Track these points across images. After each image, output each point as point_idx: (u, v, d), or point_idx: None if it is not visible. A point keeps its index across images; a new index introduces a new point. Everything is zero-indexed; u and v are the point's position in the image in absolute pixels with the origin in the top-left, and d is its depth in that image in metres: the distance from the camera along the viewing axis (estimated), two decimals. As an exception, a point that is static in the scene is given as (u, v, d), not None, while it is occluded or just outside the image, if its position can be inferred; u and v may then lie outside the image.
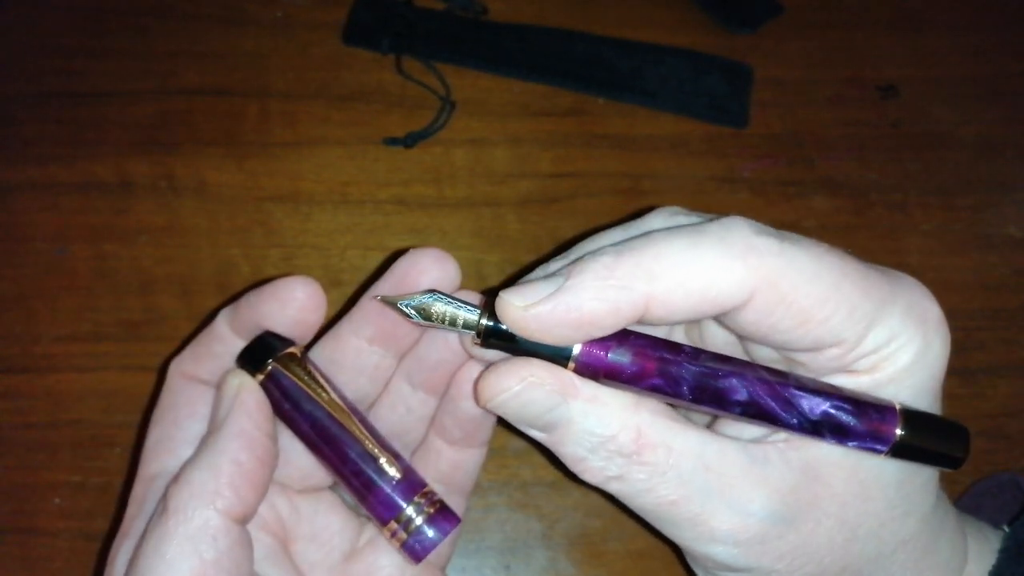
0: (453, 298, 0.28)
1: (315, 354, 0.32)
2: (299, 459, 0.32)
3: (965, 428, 0.28)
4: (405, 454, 0.33)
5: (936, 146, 0.51)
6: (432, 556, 0.33)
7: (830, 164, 0.50)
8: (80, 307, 0.43)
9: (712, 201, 0.48)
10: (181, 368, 0.32)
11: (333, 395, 0.30)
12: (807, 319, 0.26)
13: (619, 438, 0.27)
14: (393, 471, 0.30)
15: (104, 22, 0.50)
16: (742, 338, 0.29)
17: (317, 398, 0.30)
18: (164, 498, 0.28)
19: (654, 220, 0.30)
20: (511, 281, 0.45)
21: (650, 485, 0.27)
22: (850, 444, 0.27)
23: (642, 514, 0.28)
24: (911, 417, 0.27)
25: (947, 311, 0.46)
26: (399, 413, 0.33)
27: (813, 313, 0.26)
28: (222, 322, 0.32)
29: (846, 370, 0.27)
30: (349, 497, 0.33)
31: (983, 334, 0.46)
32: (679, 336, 0.33)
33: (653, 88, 0.50)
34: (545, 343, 0.26)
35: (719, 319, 0.27)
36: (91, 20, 0.50)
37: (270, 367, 0.30)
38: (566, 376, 0.27)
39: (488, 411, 0.28)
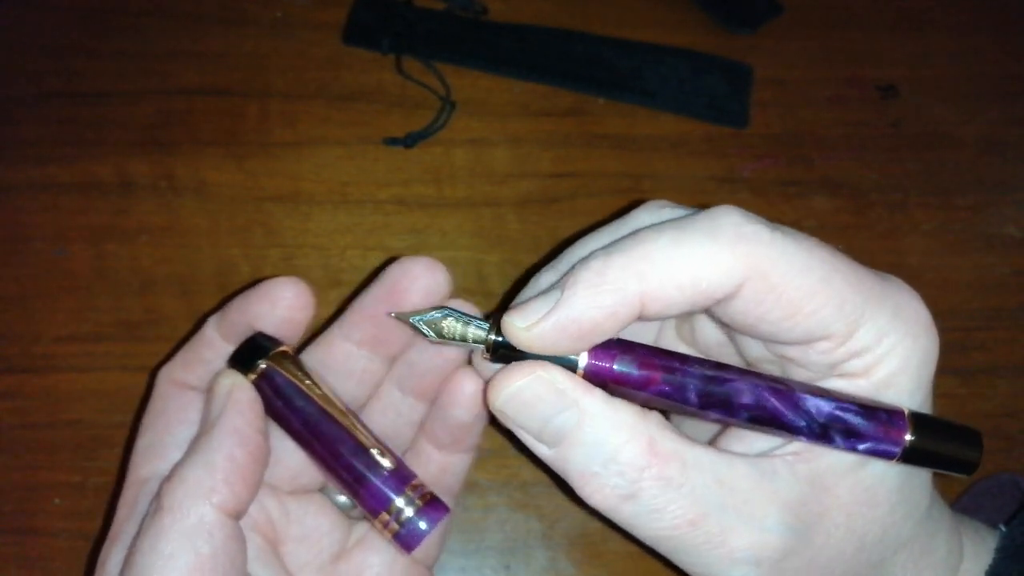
0: (463, 314, 0.28)
1: (305, 357, 0.32)
2: (289, 460, 0.32)
3: (978, 431, 0.28)
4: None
5: (936, 146, 0.51)
6: (420, 555, 0.33)
7: (830, 164, 0.50)
8: (80, 307, 0.43)
9: (712, 201, 0.47)
10: (171, 375, 0.32)
11: (325, 390, 0.31)
12: (796, 310, 0.26)
13: (630, 448, 0.26)
14: (385, 462, 0.30)
15: (104, 22, 0.50)
16: (732, 331, 0.29)
17: (310, 393, 0.30)
18: (158, 496, 0.28)
19: (641, 216, 0.30)
20: (512, 282, 0.45)
21: (664, 502, 0.26)
22: (861, 448, 0.27)
23: (655, 543, 0.27)
24: (921, 421, 0.27)
25: (947, 311, 0.46)
26: (389, 417, 0.33)
27: (802, 304, 0.26)
28: (211, 328, 0.32)
29: (839, 372, 0.27)
30: (340, 494, 0.34)
31: (983, 334, 0.46)
32: (670, 334, 0.34)
33: (653, 88, 0.50)
34: (550, 353, 0.27)
35: (710, 311, 0.27)
36: (91, 20, 0.50)
37: (262, 366, 0.30)
38: (575, 378, 0.27)
39: (498, 415, 0.28)
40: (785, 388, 0.27)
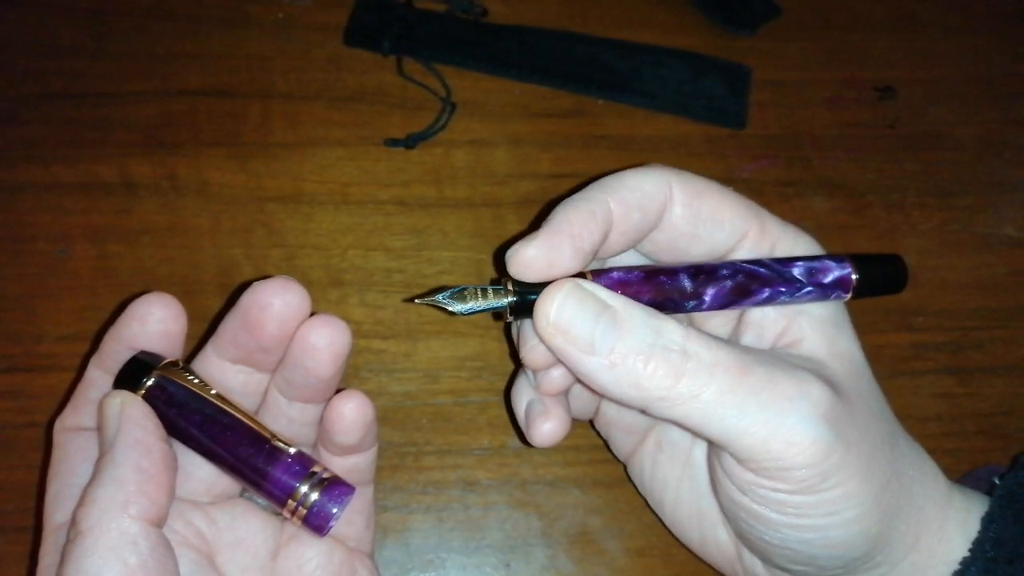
0: (476, 287, 0.31)
1: None
2: (198, 471, 0.32)
3: (897, 256, 0.34)
4: None
5: (934, 147, 0.51)
6: (353, 541, 0.34)
7: (828, 165, 0.50)
8: (83, 307, 0.43)
9: (711, 201, 0.48)
10: (64, 424, 0.32)
11: (217, 390, 0.31)
12: (717, 205, 0.33)
13: (670, 323, 0.29)
14: (285, 448, 0.31)
15: (106, 23, 0.50)
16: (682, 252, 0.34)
17: (203, 394, 0.31)
18: (74, 523, 0.28)
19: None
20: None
21: (714, 358, 0.29)
22: (826, 281, 0.32)
23: (712, 416, 0.29)
24: (860, 259, 0.33)
25: (944, 310, 0.46)
26: (282, 424, 0.33)
27: (720, 201, 0.33)
28: (92, 369, 0.32)
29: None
30: (252, 495, 0.34)
31: (980, 333, 0.46)
32: None
33: (652, 89, 0.51)
34: (555, 275, 0.30)
35: (659, 238, 0.33)
36: (93, 21, 0.50)
37: (151, 379, 0.31)
38: (600, 286, 0.30)
39: (550, 339, 0.29)
40: (756, 262, 0.32)
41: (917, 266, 0.47)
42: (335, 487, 0.31)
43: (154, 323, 0.31)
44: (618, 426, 0.38)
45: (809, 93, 0.52)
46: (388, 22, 0.51)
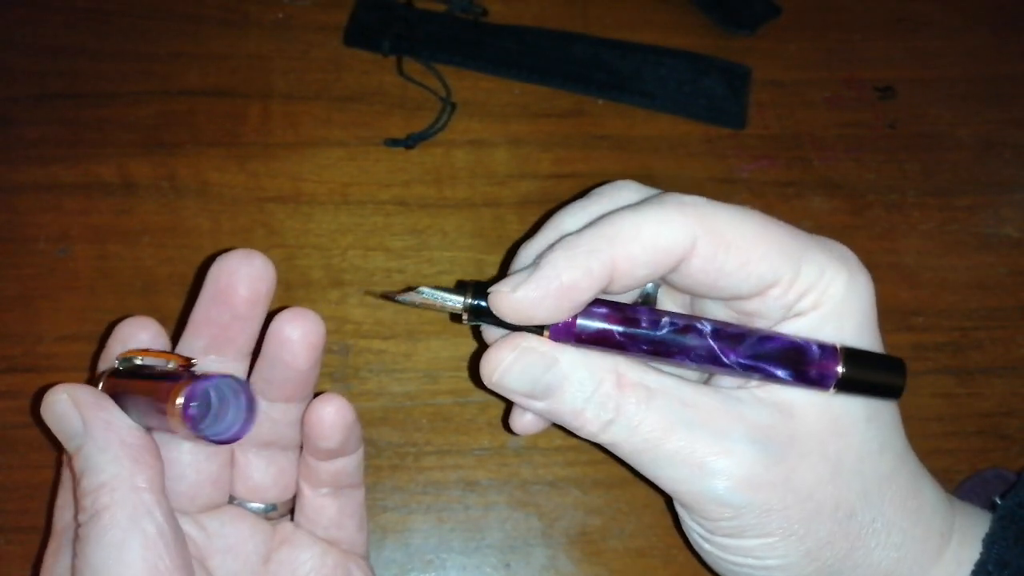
0: (437, 288, 0.31)
1: None
2: (179, 485, 0.32)
3: (901, 360, 0.31)
4: (288, 459, 0.35)
5: (933, 147, 0.51)
6: (347, 544, 0.35)
7: (828, 165, 0.50)
8: (83, 307, 0.43)
9: (711, 202, 0.48)
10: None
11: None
12: (746, 259, 0.29)
13: (606, 383, 0.30)
14: (176, 364, 0.31)
15: (106, 23, 0.50)
16: (696, 296, 0.33)
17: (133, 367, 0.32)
18: (83, 510, 0.29)
19: (607, 190, 0.34)
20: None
21: (638, 420, 0.30)
22: (800, 382, 0.30)
23: (638, 460, 0.31)
24: (852, 354, 0.30)
25: (944, 311, 0.46)
26: (266, 427, 0.33)
27: (750, 252, 0.29)
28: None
29: (794, 313, 0.30)
30: (251, 501, 0.34)
31: (980, 334, 0.46)
32: None
33: (652, 89, 0.51)
34: (536, 322, 0.30)
35: (675, 281, 0.30)
36: (93, 21, 0.50)
37: (106, 371, 0.32)
38: (548, 340, 0.30)
39: (495, 388, 0.31)
40: (733, 331, 0.30)
41: (916, 266, 0.47)
42: (209, 377, 0.30)
43: (140, 345, 0.32)
44: None
45: (809, 93, 0.52)
46: (388, 22, 0.51)
